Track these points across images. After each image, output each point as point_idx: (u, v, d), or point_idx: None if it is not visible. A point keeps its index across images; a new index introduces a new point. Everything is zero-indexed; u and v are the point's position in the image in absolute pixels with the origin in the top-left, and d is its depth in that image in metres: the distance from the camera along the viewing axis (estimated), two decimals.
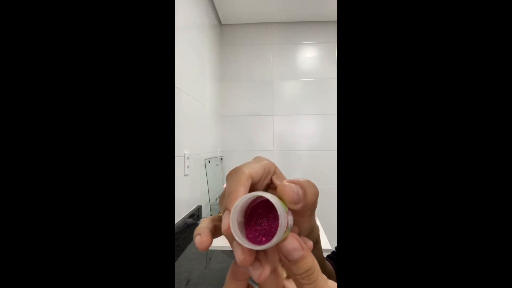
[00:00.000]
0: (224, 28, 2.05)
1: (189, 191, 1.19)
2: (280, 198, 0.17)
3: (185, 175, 1.13)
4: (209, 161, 1.45)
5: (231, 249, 0.21)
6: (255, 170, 0.19)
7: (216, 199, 1.51)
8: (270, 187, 0.22)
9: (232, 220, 0.16)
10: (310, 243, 0.18)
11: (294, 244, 0.16)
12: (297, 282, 0.17)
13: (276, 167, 0.22)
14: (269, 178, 0.21)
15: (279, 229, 0.15)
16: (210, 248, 0.41)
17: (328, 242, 0.50)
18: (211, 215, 1.35)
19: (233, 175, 0.18)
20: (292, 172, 2.01)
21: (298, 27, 2.03)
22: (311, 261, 0.17)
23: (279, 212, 0.16)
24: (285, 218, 0.16)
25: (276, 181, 0.21)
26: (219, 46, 1.98)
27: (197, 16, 1.40)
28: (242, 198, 0.16)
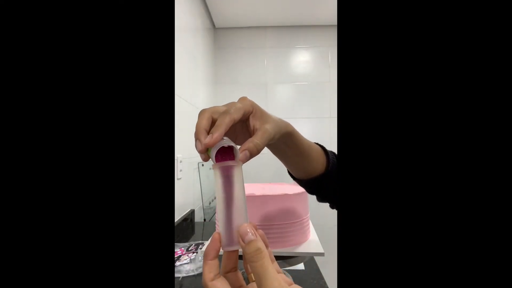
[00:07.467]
0: (218, 31, 2.06)
1: (182, 195, 1.18)
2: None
3: (178, 179, 1.11)
4: (203, 165, 1.44)
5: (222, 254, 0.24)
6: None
7: (210, 203, 1.50)
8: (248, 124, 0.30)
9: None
10: (261, 232, 0.24)
11: (248, 229, 0.23)
12: (248, 261, 0.22)
13: (254, 108, 0.29)
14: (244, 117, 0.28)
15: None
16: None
17: (319, 243, 0.49)
18: (204, 220, 1.32)
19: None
20: (287, 174, 2.00)
21: (292, 31, 2.05)
22: (260, 246, 0.22)
23: (235, 153, 0.27)
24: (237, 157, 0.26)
25: (253, 122, 0.29)
26: (213, 50, 1.98)
27: (191, 19, 1.40)
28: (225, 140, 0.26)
